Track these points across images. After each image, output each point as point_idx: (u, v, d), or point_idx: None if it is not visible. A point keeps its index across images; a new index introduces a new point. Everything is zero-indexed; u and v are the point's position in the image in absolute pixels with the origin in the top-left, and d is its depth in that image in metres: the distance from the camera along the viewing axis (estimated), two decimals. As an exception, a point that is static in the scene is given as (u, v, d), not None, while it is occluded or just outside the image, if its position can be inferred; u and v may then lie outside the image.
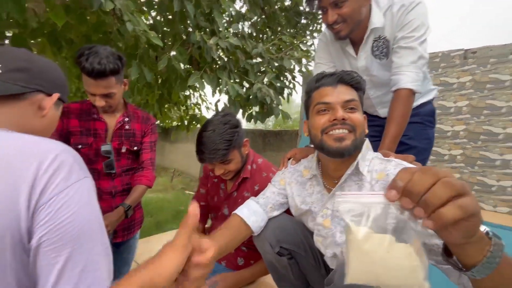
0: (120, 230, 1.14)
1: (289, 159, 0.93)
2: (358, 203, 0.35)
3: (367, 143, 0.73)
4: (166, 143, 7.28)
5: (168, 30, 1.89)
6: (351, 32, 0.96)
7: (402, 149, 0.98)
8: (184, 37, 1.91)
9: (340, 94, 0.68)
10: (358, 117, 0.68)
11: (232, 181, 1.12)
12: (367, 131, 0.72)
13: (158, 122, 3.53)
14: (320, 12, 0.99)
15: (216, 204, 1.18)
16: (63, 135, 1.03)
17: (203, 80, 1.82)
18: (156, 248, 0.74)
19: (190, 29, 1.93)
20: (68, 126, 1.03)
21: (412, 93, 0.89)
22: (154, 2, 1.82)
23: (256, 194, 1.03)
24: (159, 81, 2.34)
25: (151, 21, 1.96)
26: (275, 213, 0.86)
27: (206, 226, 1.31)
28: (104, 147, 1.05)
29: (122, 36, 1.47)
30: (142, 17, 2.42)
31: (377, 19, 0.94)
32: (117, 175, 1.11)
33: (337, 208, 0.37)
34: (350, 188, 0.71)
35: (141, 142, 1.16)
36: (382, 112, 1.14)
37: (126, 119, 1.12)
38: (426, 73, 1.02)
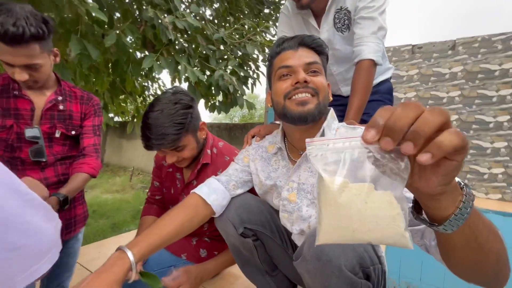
0: (55, 229, 0.97)
1: (253, 137, 0.88)
2: (331, 150, 0.30)
3: (331, 112, 0.71)
4: (123, 140, 6.72)
5: (116, 5, 1.68)
6: (313, 1, 0.94)
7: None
8: (136, 14, 1.73)
9: (301, 57, 0.66)
10: (321, 80, 0.66)
11: (190, 168, 1.02)
12: (331, 98, 0.70)
13: (111, 115, 3.21)
14: None
15: (173, 196, 1.07)
16: None
17: (159, 63, 1.67)
18: (111, 252, 0.62)
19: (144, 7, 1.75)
20: None
21: (373, 63, 0.91)
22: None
23: None
24: (109, 67, 2.09)
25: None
26: (239, 191, 0.80)
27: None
28: (29, 131, 0.87)
29: (55, 6, 1.25)
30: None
31: None
32: (48, 164, 0.93)
33: (308, 156, 0.31)
34: None
35: (81, 126, 0.99)
36: (345, 90, 1.15)
37: (60, 97, 0.94)
38: (384, 51, 1.04)
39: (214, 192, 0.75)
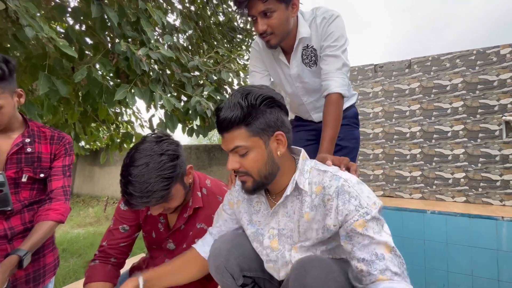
0: (21, 283, 0.89)
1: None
2: None
3: (302, 155, 0.72)
4: (95, 168, 6.35)
5: (88, 39, 1.67)
6: (281, 41, 1.01)
7: (334, 150, 1.06)
8: (109, 47, 1.72)
9: (227, 142, 0.66)
10: (248, 161, 0.65)
11: (175, 213, 0.93)
12: (279, 152, 0.68)
13: (83, 143, 3.05)
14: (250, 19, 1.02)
15: (156, 240, 0.98)
16: None
17: (133, 93, 1.65)
18: None
19: (117, 40, 1.76)
20: None
21: (341, 96, 0.98)
22: (67, 8, 1.59)
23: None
24: (80, 96, 2.03)
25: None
26: None
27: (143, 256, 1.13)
28: None
29: (20, 44, 1.22)
30: (56, 25, 2.10)
31: (303, 29, 1.01)
32: (15, 213, 0.87)
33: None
34: (292, 204, 0.71)
35: (50, 167, 0.95)
36: (316, 117, 1.23)
37: (27, 140, 0.90)
38: (348, 83, 1.14)
39: (206, 245, 0.82)
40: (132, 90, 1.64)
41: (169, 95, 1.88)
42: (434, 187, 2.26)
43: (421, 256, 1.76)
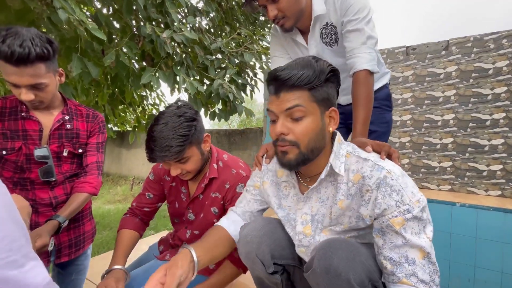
0: (65, 247, 0.98)
1: (262, 156, 0.87)
2: None
3: (338, 138, 0.67)
4: (122, 150, 6.72)
5: (115, 22, 1.71)
6: (296, 23, 0.97)
7: None
8: (135, 30, 1.76)
9: (282, 102, 0.61)
10: (303, 127, 0.60)
11: (195, 182, 1.03)
12: (331, 129, 0.65)
13: (111, 126, 3.22)
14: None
15: (178, 210, 1.07)
16: None
17: (158, 77, 1.69)
18: None
19: (142, 23, 1.78)
20: None
21: (369, 73, 0.90)
22: (96, -9, 1.63)
23: (225, 192, 0.97)
24: (108, 79, 2.12)
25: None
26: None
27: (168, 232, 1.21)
28: (38, 151, 0.89)
29: (54, 27, 1.28)
30: (86, 9, 2.17)
31: (318, 7, 0.95)
32: (58, 183, 0.95)
33: None
34: (326, 189, 0.67)
35: (86, 144, 1.01)
36: (343, 100, 1.17)
37: (67, 117, 0.97)
38: (379, 57, 1.05)
39: (232, 224, 0.81)
40: (157, 74, 1.68)
41: (192, 78, 1.90)
42: (466, 179, 2.13)
43: (446, 249, 1.69)
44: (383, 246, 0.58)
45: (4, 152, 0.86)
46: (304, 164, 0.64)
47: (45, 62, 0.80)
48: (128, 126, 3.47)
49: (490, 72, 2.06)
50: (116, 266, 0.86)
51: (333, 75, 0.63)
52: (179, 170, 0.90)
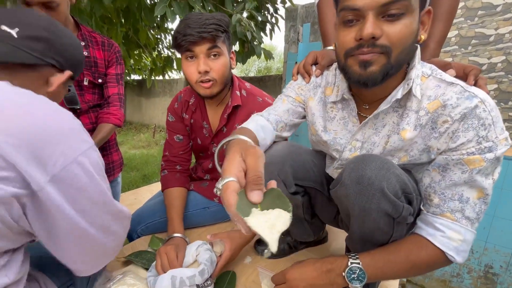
0: (97, 172, 1.07)
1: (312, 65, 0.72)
2: None
3: (418, 53, 0.54)
4: (142, 98, 6.84)
5: None
6: None
7: None
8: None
9: None
10: (400, 29, 0.47)
11: (216, 113, 0.97)
12: (423, 37, 0.52)
13: (129, 71, 3.20)
14: None
15: (201, 146, 1.05)
16: None
17: (172, 9, 1.56)
18: (145, 198, 0.75)
19: None
20: None
21: None
22: None
23: None
24: (120, 16, 2.01)
25: None
26: (285, 134, 0.74)
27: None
28: None
29: None
30: None
31: None
32: (83, 112, 0.98)
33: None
34: (385, 116, 0.57)
35: (105, 74, 1.00)
36: None
37: (82, 43, 0.94)
38: None
39: (261, 129, 0.66)
40: (171, 7, 1.55)
41: (208, 11, 1.75)
42: None
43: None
44: (439, 182, 0.53)
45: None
46: (388, 78, 0.51)
47: None
48: (145, 73, 3.44)
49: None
50: (176, 234, 0.84)
51: None
52: (208, 67, 0.81)
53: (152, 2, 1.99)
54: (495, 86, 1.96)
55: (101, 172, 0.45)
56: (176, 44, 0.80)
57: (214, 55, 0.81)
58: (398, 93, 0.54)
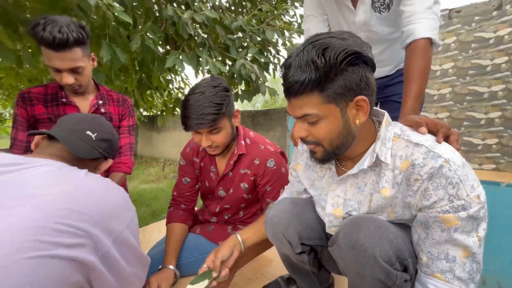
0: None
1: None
2: None
3: (386, 119, 0.58)
4: (153, 133, 7.10)
5: (137, 5, 1.74)
6: None
7: (396, 107, 0.94)
8: (157, 13, 1.77)
9: (294, 109, 0.55)
10: (319, 131, 0.55)
11: (223, 160, 1.05)
12: (359, 121, 0.55)
13: (142, 110, 3.39)
14: None
15: (209, 189, 1.12)
16: (31, 123, 0.95)
17: (181, 60, 1.71)
18: (153, 237, 0.86)
19: (163, 5, 1.79)
20: (34, 114, 0.94)
21: (430, 42, 0.77)
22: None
23: (256, 168, 0.99)
24: (136, 64, 2.20)
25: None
26: (305, 195, 0.83)
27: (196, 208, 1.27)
28: None
29: (85, 13, 1.33)
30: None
31: None
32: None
33: None
34: (365, 175, 0.60)
35: (118, 127, 1.09)
36: (376, 72, 1.09)
37: (100, 101, 1.04)
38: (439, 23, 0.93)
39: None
40: (180, 57, 1.70)
41: (214, 59, 1.90)
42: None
43: (488, 231, 1.59)
44: (424, 239, 0.53)
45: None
46: (334, 159, 0.61)
47: (81, 46, 0.87)
48: (156, 111, 3.63)
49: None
50: (167, 266, 0.92)
51: (353, 59, 0.50)
52: (210, 141, 0.90)
53: (164, 50, 2.19)
54: (499, 113, 1.96)
55: (138, 230, 0.61)
56: (182, 123, 0.90)
57: (215, 133, 0.90)
58: (365, 163, 0.58)
